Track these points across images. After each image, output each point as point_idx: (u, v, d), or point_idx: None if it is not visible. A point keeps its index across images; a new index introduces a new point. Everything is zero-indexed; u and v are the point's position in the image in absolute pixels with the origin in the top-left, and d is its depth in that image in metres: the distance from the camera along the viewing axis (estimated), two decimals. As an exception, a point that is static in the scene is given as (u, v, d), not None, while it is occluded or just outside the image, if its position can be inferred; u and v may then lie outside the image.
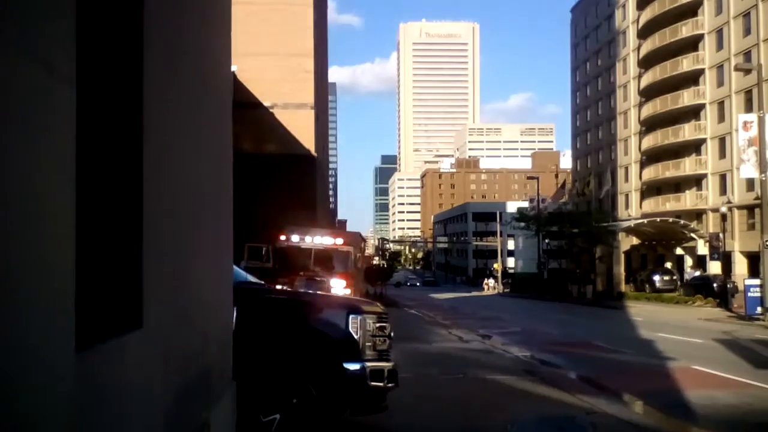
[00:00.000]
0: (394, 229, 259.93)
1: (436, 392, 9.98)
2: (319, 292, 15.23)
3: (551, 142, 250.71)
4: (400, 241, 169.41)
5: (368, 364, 6.65)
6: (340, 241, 22.73)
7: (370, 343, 6.72)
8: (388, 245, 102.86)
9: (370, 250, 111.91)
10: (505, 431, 7.37)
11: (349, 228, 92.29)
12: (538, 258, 58.90)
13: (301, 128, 47.39)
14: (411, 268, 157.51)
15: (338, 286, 20.88)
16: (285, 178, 44.54)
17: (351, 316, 6.71)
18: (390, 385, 6.87)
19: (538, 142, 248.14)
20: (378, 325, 6.87)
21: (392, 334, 7.24)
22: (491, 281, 76.02)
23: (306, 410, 6.34)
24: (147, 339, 2.92)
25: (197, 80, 3.83)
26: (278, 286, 19.62)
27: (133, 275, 2.86)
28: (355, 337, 6.64)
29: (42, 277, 1.66)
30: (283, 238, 22.51)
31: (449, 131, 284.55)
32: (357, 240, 25.85)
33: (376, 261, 66.39)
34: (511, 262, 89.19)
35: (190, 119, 3.64)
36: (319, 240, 22.60)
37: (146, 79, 2.77)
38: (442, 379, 11.30)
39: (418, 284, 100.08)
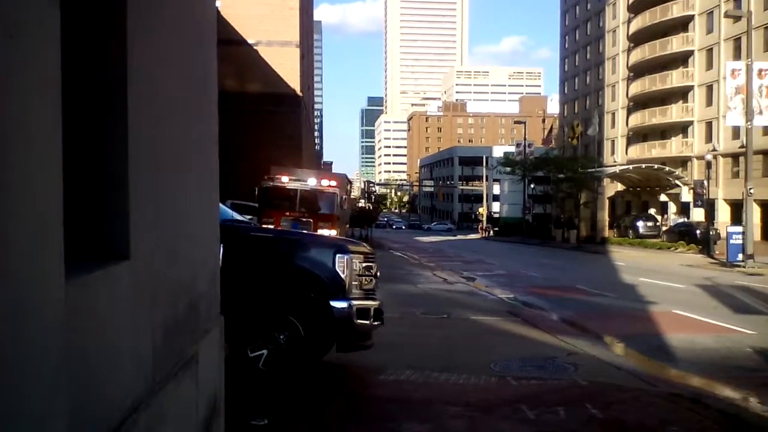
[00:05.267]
0: (380, 172, 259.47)
1: (421, 332, 10.11)
2: (305, 232, 15.28)
3: (539, 86, 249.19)
4: (386, 184, 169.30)
5: (354, 302, 6.70)
6: (325, 182, 22.67)
7: (356, 282, 6.76)
8: (374, 188, 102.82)
9: (356, 193, 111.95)
10: (488, 370, 7.48)
11: (335, 170, 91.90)
12: (523, 203, 59.17)
13: (286, 67, 46.66)
14: (397, 211, 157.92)
15: (323, 227, 20.92)
16: (270, 117, 44.10)
17: (338, 256, 6.72)
18: (376, 323, 6.94)
19: (526, 86, 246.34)
20: (364, 264, 6.90)
21: (378, 273, 7.28)
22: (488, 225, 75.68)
23: (293, 347, 6.40)
24: (135, 271, 2.89)
25: (179, 8, 3.71)
26: (264, 226, 19.68)
27: (119, 206, 2.82)
28: (342, 276, 6.67)
29: (27, 202, 1.61)
30: (268, 178, 22.42)
31: (437, 74, 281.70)
32: (343, 182, 25.84)
33: (362, 204, 66.44)
34: (496, 206, 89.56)
35: (172, 48, 3.54)
36: (305, 181, 22.53)
37: (129, 7, 2.68)
38: (427, 319, 11.44)
39: (403, 227, 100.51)
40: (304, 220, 20.82)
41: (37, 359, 1.69)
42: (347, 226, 32.96)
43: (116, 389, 2.61)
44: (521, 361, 8.05)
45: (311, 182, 22.55)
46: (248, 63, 45.40)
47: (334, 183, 22.90)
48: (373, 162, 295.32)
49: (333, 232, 20.99)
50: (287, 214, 20.88)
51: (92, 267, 2.54)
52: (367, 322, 6.78)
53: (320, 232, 20.32)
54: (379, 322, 7.04)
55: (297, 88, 47.70)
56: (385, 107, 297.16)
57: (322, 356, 7.05)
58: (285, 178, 22.32)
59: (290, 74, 47.15)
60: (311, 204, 21.70)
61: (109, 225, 2.78)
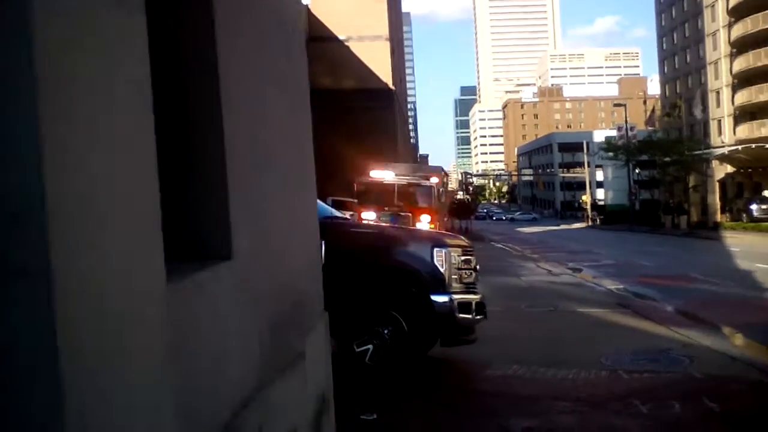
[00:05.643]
0: (476, 163, 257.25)
1: (527, 325, 9.92)
2: (403, 226, 15.27)
3: (638, 67, 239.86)
4: (483, 175, 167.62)
5: (455, 296, 6.63)
6: (422, 175, 22.67)
7: (456, 276, 6.68)
8: (471, 179, 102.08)
9: (453, 185, 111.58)
10: (597, 364, 7.23)
11: (431, 162, 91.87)
12: (628, 189, 57.18)
13: (378, 61, 46.81)
14: (496, 202, 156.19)
15: (422, 221, 20.90)
16: (364, 113, 44.38)
17: (436, 249, 6.67)
18: (478, 317, 6.84)
19: (624, 67, 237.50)
20: (463, 258, 6.81)
21: (478, 267, 7.17)
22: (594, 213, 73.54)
23: (397, 342, 6.40)
24: (237, 270, 2.93)
25: (266, 8, 3.74)
26: (363, 221, 19.88)
27: (219, 207, 2.86)
28: (441, 270, 6.61)
29: (126, 206, 1.63)
30: (365, 174, 22.62)
31: (530, 59, 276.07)
32: (439, 174, 25.69)
33: (459, 195, 66.06)
34: (600, 193, 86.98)
35: (262, 47, 3.56)
36: (402, 175, 22.60)
37: (217, 12, 2.71)
38: (533, 312, 11.21)
39: (503, 218, 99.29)
40: (402, 214, 20.86)
41: (142, 355, 1.72)
42: (446, 218, 32.85)
43: (226, 385, 2.65)
44: (633, 354, 7.74)
45: (408, 176, 22.60)
46: (340, 59, 45.85)
47: (431, 176, 22.85)
48: (470, 153, 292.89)
49: (432, 226, 20.96)
50: (385, 208, 20.96)
51: (197, 267, 2.59)
52: (469, 316, 6.69)
53: (419, 225, 20.33)
54: (482, 316, 6.93)
55: (389, 82, 47.83)
56: (479, 96, 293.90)
57: (427, 351, 7.02)
58: (382, 173, 22.46)
59: (382, 69, 47.32)
60: (409, 198, 21.72)
61: (211, 226, 2.83)
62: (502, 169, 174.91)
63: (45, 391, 1.20)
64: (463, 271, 6.80)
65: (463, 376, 6.81)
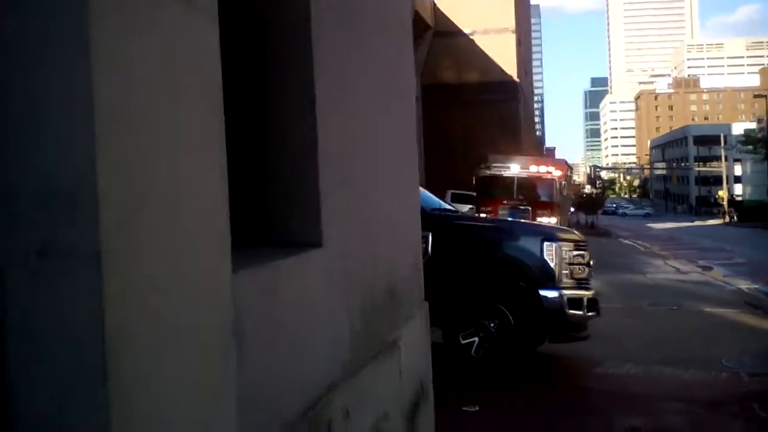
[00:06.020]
0: (606, 156, 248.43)
1: (646, 324, 9.56)
2: (512, 219, 15.06)
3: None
4: (613, 168, 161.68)
5: (565, 291, 6.48)
6: (543, 168, 22.19)
7: (566, 271, 6.53)
8: (600, 173, 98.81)
9: (581, 179, 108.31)
10: (718, 365, 6.86)
11: (558, 156, 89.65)
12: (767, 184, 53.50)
13: (503, 54, 46.28)
14: (626, 196, 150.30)
15: (542, 215, 20.48)
16: (488, 106, 44.05)
17: (546, 244, 6.54)
18: (590, 314, 6.65)
19: (767, 57, 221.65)
20: (575, 253, 6.64)
21: (592, 262, 6.97)
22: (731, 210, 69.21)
23: (503, 336, 6.34)
24: (328, 258, 3.00)
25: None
26: (482, 215, 19.78)
27: (310, 196, 2.94)
28: (551, 264, 6.48)
29: (188, 202, 1.69)
30: (485, 167, 22.42)
31: (665, 49, 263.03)
32: (562, 167, 25.04)
33: (587, 190, 64.09)
34: (738, 189, 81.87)
35: (360, 38, 3.62)
36: (522, 168, 22.21)
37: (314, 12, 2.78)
38: (655, 310, 10.78)
39: (634, 213, 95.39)
40: (522, 207, 20.55)
41: (206, 336, 1.80)
42: (569, 213, 32.02)
43: (308, 370, 2.74)
44: (757, 356, 7.30)
45: (529, 169, 22.19)
46: (465, 53, 45.73)
47: (552, 169, 22.35)
48: (599, 145, 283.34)
49: (552, 220, 20.49)
50: (504, 202, 20.71)
51: (282, 255, 2.70)
52: (580, 312, 6.52)
53: (539, 220, 19.94)
54: (594, 313, 6.74)
55: (514, 75, 47.16)
56: (610, 87, 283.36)
57: (536, 347, 6.91)
58: (502, 166, 22.18)
59: (507, 61, 46.74)
60: (529, 191, 21.34)
61: (301, 214, 2.93)
62: (633, 163, 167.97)
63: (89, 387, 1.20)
64: (575, 267, 6.63)
65: (573, 373, 6.67)
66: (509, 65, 47.01)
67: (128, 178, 1.33)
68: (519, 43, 49.94)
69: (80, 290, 1.20)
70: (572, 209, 45.50)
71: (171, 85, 1.58)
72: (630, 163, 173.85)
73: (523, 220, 16.03)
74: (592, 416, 5.13)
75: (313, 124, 2.90)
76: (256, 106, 2.87)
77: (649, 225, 55.44)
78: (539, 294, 6.42)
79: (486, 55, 45.89)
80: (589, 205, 43.14)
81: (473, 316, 6.41)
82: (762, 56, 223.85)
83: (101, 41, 1.25)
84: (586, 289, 6.73)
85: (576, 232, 7.69)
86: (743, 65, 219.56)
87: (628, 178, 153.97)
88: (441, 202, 7.89)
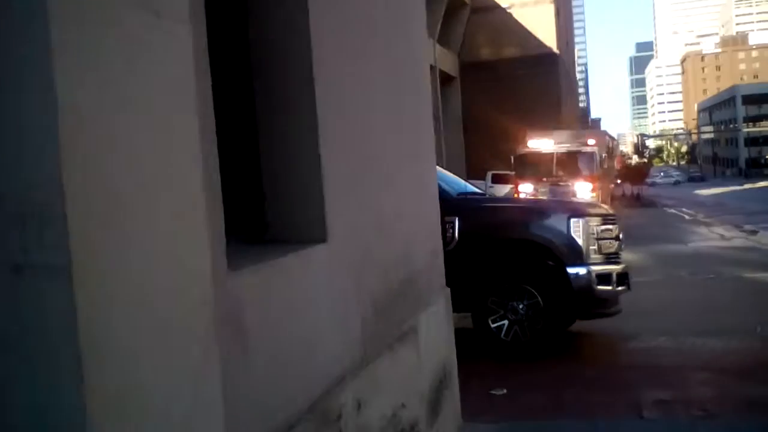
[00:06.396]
0: (653, 123, 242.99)
1: (684, 294, 9.48)
2: (538, 198, 14.99)
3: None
4: (660, 136, 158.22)
5: (593, 267, 6.49)
6: (582, 142, 21.94)
7: (594, 246, 6.54)
8: (646, 141, 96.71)
9: (628, 148, 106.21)
10: (753, 333, 6.80)
11: (604, 126, 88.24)
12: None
13: (541, 26, 45.69)
14: (675, 164, 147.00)
15: (583, 190, 20.28)
16: (527, 81, 43.55)
17: (572, 220, 6.56)
18: (620, 288, 6.65)
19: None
20: (603, 227, 6.65)
21: (621, 236, 6.96)
22: None
23: (533, 317, 6.39)
24: (333, 252, 3.09)
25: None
26: (521, 195, 19.71)
27: (313, 192, 3.03)
28: (578, 241, 6.50)
29: (167, 203, 1.76)
30: (523, 144, 22.27)
31: (713, 6, 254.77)
32: (602, 139, 24.69)
33: (634, 159, 62.96)
34: (791, 148, 79.29)
35: (364, 19, 3.65)
36: (561, 143, 21.98)
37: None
38: (694, 280, 10.67)
39: (682, 180, 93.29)
40: (562, 184, 20.37)
41: (186, 335, 1.90)
42: (612, 185, 31.57)
43: (314, 365, 2.85)
44: (796, 323, 7.20)
45: (567, 143, 21.96)
46: (502, 28, 45.27)
47: (592, 142, 22.08)
48: (646, 113, 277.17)
49: (594, 195, 20.29)
50: (544, 179, 20.56)
51: (286, 251, 2.82)
52: (609, 287, 6.53)
53: (579, 194, 19.77)
54: (624, 287, 6.73)
55: (554, 47, 46.51)
56: (655, 52, 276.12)
57: (567, 326, 6.95)
58: (539, 143, 21.99)
59: (546, 33, 46.11)
60: (569, 166, 21.12)
61: (304, 211, 3.03)
62: (681, 129, 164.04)
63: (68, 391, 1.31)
64: (604, 241, 6.64)
65: (603, 350, 6.70)
66: (548, 37, 46.36)
67: (98, 185, 1.40)
68: (558, 13, 49.15)
69: (54, 301, 1.31)
70: (618, 181, 44.85)
71: (141, 88, 1.65)
72: (677, 129, 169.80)
73: (551, 198, 15.96)
74: (620, 392, 5.17)
75: (314, 116, 2.98)
76: (258, 100, 2.98)
77: (695, 192, 54.28)
78: (567, 271, 6.45)
79: (524, 28, 45.33)
80: (635, 176, 42.39)
81: (502, 299, 6.48)
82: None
83: (64, 51, 1.31)
84: (616, 263, 6.74)
85: (604, 206, 7.68)
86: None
87: (676, 144, 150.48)
88: (468, 185, 7.94)
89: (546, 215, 6.88)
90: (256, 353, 2.32)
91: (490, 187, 27.36)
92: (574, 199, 15.14)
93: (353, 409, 3.11)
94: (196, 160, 1.95)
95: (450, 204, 6.80)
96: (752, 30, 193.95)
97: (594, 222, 6.61)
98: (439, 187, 6.95)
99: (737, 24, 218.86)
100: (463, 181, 7.95)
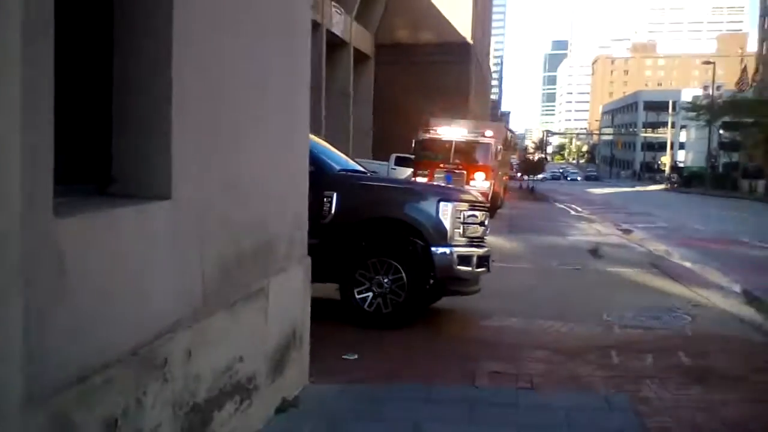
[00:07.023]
0: (560, 121, 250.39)
1: (548, 282, 10.06)
2: (414, 180, 15.48)
3: (741, 22, 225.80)
4: (563, 134, 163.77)
5: (456, 249, 6.88)
6: (481, 133, 22.63)
7: (459, 230, 6.92)
8: (549, 138, 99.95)
9: (531, 144, 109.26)
10: (599, 319, 7.39)
11: (514, 120, 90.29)
12: (707, 151, 55.12)
13: (458, 14, 46.30)
14: (575, 161, 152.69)
15: (477, 179, 21.00)
16: (440, 68, 44.14)
17: (441, 204, 6.92)
18: (479, 270, 7.08)
19: (727, 23, 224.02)
20: (470, 213, 7.04)
21: (487, 222, 7.39)
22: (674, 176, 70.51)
23: (396, 292, 6.73)
24: (177, 210, 3.23)
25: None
26: (418, 179, 20.17)
27: (161, 151, 3.14)
28: (445, 223, 6.87)
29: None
30: (424, 130, 22.77)
31: (627, 10, 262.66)
32: (500, 132, 25.53)
33: (537, 155, 65.00)
34: (682, 155, 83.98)
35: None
36: (460, 132, 22.63)
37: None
38: (562, 270, 11.31)
39: (578, 179, 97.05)
40: (457, 171, 21.00)
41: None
42: (506, 177, 32.63)
43: (148, 311, 3.00)
44: (638, 311, 7.85)
45: (466, 133, 22.62)
46: (421, 12, 45.57)
47: (489, 133, 22.80)
48: (554, 110, 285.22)
49: (487, 184, 21.05)
50: (441, 165, 21.13)
51: (125, 204, 2.96)
52: (469, 268, 6.94)
53: (473, 183, 20.46)
54: (484, 269, 7.17)
55: (468, 37, 47.20)
56: (569, 51, 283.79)
57: (431, 302, 7.35)
58: (441, 130, 22.55)
59: (462, 22, 46.69)
60: (466, 155, 21.77)
61: (150, 168, 3.16)
62: (584, 128, 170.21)
63: None
64: (470, 226, 7.03)
65: (458, 325, 7.12)
66: (464, 26, 46.99)
67: None
68: (476, 4, 49.92)
69: None
70: (519, 174, 46.32)
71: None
72: (581, 128, 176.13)
73: (428, 182, 16.53)
74: (461, 363, 5.55)
75: (168, 75, 3.08)
76: (116, 52, 3.07)
77: (588, 190, 56.75)
78: (431, 250, 6.81)
79: (442, 15, 45.84)
80: (533, 170, 43.99)
81: (369, 273, 6.79)
82: (722, 21, 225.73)
83: None
84: (479, 246, 7.16)
85: (475, 193, 8.08)
86: (702, 30, 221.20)
87: (578, 143, 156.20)
88: (351, 162, 8.18)
89: (419, 197, 7.21)
90: (75, 295, 2.47)
91: (393, 168, 27.80)
92: (452, 186, 15.74)
93: (183, 357, 3.30)
94: (8, 107, 2.10)
95: (330, 179, 7.06)
96: (663, 39, 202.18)
97: (462, 207, 7.00)
98: (322, 161, 7.20)
99: (649, 31, 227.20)
100: (346, 158, 8.19)
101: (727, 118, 51.95)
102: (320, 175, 6.82)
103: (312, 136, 7.74)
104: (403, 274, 6.76)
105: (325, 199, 6.92)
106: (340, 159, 7.97)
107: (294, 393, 4.68)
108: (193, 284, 3.47)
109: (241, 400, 3.92)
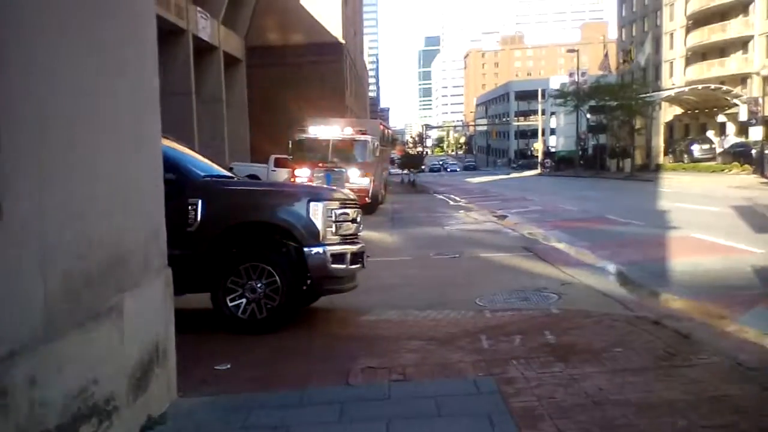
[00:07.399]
0: (438, 115, 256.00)
1: (425, 272, 10.24)
2: (281, 182, 15.46)
3: (602, 11, 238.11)
4: (441, 127, 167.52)
5: (329, 247, 6.86)
6: (357, 130, 22.79)
7: (331, 228, 6.90)
8: (427, 132, 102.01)
9: (411, 138, 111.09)
10: (472, 305, 7.59)
11: (393, 116, 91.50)
12: (576, 135, 57.97)
13: (328, 14, 46.57)
14: (453, 153, 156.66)
15: (356, 176, 21.14)
16: (312, 68, 44.29)
17: (311, 204, 6.87)
18: (353, 266, 7.09)
19: (590, 11, 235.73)
20: (341, 211, 7.03)
21: (359, 219, 7.41)
22: (547, 161, 73.71)
23: (270, 296, 6.63)
24: (10, 232, 3.05)
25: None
26: (297, 180, 20.05)
27: None
28: (316, 223, 6.83)
29: None
30: (300, 130, 22.69)
31: (497, 4, 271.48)
32: (377, 129, 25.82)
33: (416, 149, 66.18)
34: (553, 141, 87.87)
35: None
36: (337, 130, 22.71)
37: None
38: (439, 259, 11.56)
39: (457, 169, 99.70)
40: (336, 170, 21.07)
41: None
42: (386, 171, 33.04)
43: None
44: (508, 294, 8.13)
45: (343, 131, 22.72)
46: (290, 14, 45.54)
47: (365, 130, 23.00)
48: (431, 105, 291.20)
49: (366, 181, 21.23)
50: (320, 165, 21.14)
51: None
52: (343, 266, 6.94)
53: (353, 180, 20.59)
54: (358, 265, 7.19)
55: (339, 36, 47.56)
56: (442, 46, 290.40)
57: (309, 302, 7.31)
58: (317, 129, 22.53)
59: (332, 22, 47.02)
60: (344, 153, 21.88)
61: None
62: (461, 121, 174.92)
63: None
64: (342, 224, 7.02)
65: (334, 323, 7.10)
66: (334, 26, 47.33)
67: None
68: (345, 3, 50.27)
69: None
70: (401, 170, 46.97)
71: None
72: (458, 121, 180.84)
73: (306, 182, 16.54)
74: (336, 362, 5.53)
75: None
76: None
77: (467, 180, 58.38)
78: (303, 251, 6.76)
79: (311, 16, 45.98)
80: (412, 163, 44.78)
81: (240, 279, 6.66)
82: (584, 11, 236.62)
83: None
84: (353, 243, 7.17)
85: (345, 191, 8.09)
86: (566, 21, 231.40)
87: (455, 135, 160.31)
88: (215, 167, 7.99)
89: (288, 199, 7.13)
90: None
91: (273, 170, 27.56)
92: (322, 185, 15.86)
93: (26, 385, 3.11)
94: None
95: (195, 186, 6.86)
96: (530, 31, 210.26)
97: (333, 206, 6.98)
98: (184, 168, 7.00)
99: (517, 23, 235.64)
100: (211, 164, 7.99)
101: (593, 102, 54.76)
102: (183, 183, 6.64)
103: (174, 144, 7.54)
104: (277, 278, 6.67)
105: (189, 207, 6.75)
106: (204, 165, 7.78)
107: (161, 409, 4.52)
108: (33, 308, 3.29)
109: (99, 422, 3.75)
